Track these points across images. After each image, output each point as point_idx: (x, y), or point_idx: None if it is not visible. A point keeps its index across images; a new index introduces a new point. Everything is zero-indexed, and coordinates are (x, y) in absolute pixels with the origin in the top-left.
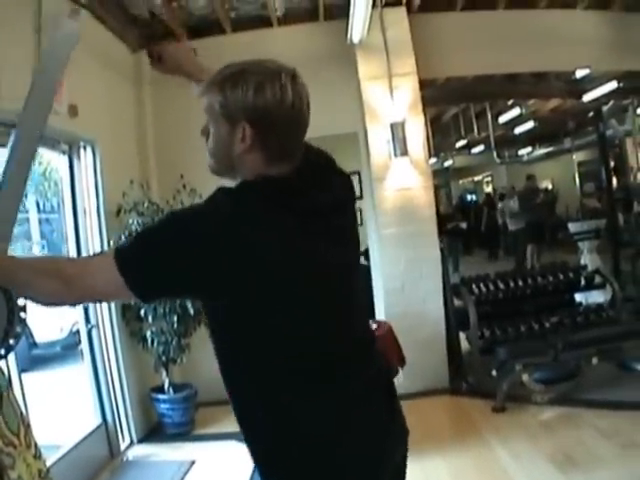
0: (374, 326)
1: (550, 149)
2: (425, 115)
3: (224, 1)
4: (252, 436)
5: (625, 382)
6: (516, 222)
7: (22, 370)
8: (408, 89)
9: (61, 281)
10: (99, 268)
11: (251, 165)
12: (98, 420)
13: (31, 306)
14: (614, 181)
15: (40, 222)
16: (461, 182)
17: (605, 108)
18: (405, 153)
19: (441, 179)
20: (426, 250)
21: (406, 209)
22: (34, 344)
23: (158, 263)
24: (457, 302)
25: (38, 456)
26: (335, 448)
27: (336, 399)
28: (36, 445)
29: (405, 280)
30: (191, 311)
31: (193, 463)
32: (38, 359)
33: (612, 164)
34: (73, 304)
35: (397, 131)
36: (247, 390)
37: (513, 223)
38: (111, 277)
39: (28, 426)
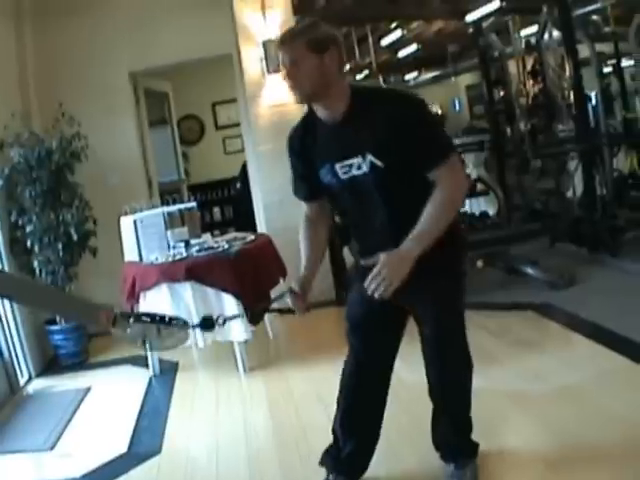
0: (252, 237)
1: (436, 73)
2: None
3: None
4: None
5: (512, 285)
6: None
7: None
8: (280, 8)
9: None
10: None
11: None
12: None
13: None
14: (497, 94)
15: None
16: None
17: (485, 24)
18: (278, 70)
19: None
20: None
21: (281, 124)
22: None
23: None
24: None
25: None
26: None
27: None
28: None
29: (283, 195)
30: (74, 237)
31: (89, 390)
32: None
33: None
34: None
35: (270, 48)
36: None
37: None
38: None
39: None
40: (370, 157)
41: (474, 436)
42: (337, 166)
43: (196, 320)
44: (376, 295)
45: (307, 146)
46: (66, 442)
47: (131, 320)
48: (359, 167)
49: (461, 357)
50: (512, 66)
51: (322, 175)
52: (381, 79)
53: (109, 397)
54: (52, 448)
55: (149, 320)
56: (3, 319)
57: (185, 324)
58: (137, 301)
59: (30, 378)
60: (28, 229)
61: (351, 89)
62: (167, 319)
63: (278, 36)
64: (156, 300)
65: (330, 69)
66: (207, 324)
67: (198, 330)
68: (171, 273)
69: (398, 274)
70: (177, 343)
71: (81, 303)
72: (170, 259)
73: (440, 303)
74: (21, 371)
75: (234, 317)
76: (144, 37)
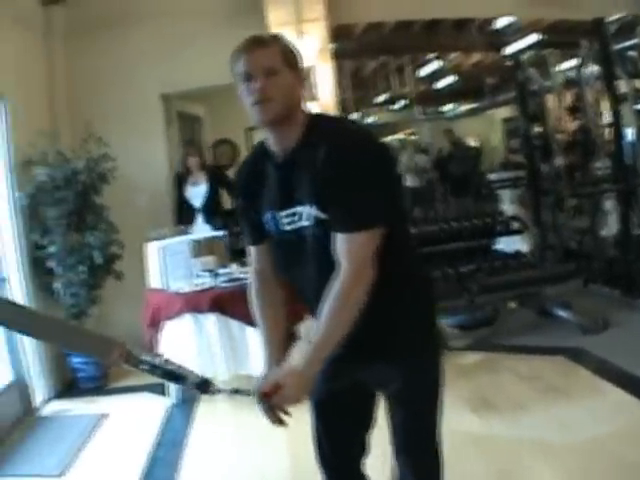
0: None
1: (474, 105)
2: (337, 61)
3: None
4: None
5: (544, 327)
6: (415, 179)
7: None
8: (317, 35)
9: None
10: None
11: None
12: (10, 377)
13: None
14: (535, 130)
15: None
16: (386, 139)
17: (524, 57)
18: (314, 98)
19: None
20: None
21: None
22: None
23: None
24: None
25: None
26: None
27: None
28: None
29: None
30: (99, 260)
31: (105, 416)
32: None
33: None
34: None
35: (305, 75)
36: None
37: (412, 180)
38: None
39: None
40: (313, 206)
41: None
42: (280, 215)
43: (219, 352)
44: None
45: (254, 185)
46: (77, 469)
47: (142, 365)
48: (305, 217)
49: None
50: (550, 101)
51: (264, 220)
52: (418, 110)
53: (126, 425)
54: (61, 475)
55: (156, 364)
56: (21, 338)
57: (184, 380)
58: (158, 330)
59: (46, 400)
60: (50, 250)
61: (308, 118)
62: (174, 372)
63: (243, 42)
64: (178, 330)
65: (299, 90)
66: (203, 387)
67: (221, 363)
68: (195, 303)
69: (298, 394)
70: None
71: (92, 337)
72: (195, 289)
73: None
74: (37, 392)
75: (236, 392)
76: (178, 59)
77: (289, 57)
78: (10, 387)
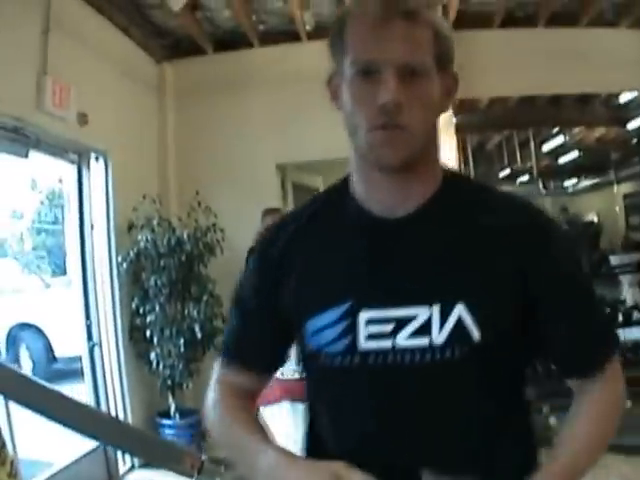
0: None
1: (596, 181)
2: (461, 137)
3: (250, 13)
4: None
5: None
6: None
7: None
8: None
9: None
10: None
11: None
12: (94, 442)
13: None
14: None
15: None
16: None
17: None
18: None
19: None
20: None
21: None
22: (54, 358)
23: None
24: None
25: (13, 474)
26: None
27: None
28: (12, 463)
29: None
30: (199, 335)
31: None
32: (58, 374)
33: None
34: None
35: None
36: None
37: None
38: None
39: (3, 444)
40: (461, 309)
41: None
42: (364, 317)
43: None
44: None
45: (305, 254)
46: None
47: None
48: (424, 330)
49: None
50: None
51: (313, 327)
52: (540, 185)
53: None
54: None
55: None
56: (112, 406)
57: None
58: (256, 414)
59: (132, 468)
60: (149, 318)
61: (443, 166)
62: None
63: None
64: (276, 417)
65: (445, 108)
66: None
67: None
68: (295, 391)
69: None
70: None
71: (164, 445)
72: (296, 375)
73: None
74: (124, 460)
75: None
76: (295, 129)
77: (443, 47)
78: (94, 453)
